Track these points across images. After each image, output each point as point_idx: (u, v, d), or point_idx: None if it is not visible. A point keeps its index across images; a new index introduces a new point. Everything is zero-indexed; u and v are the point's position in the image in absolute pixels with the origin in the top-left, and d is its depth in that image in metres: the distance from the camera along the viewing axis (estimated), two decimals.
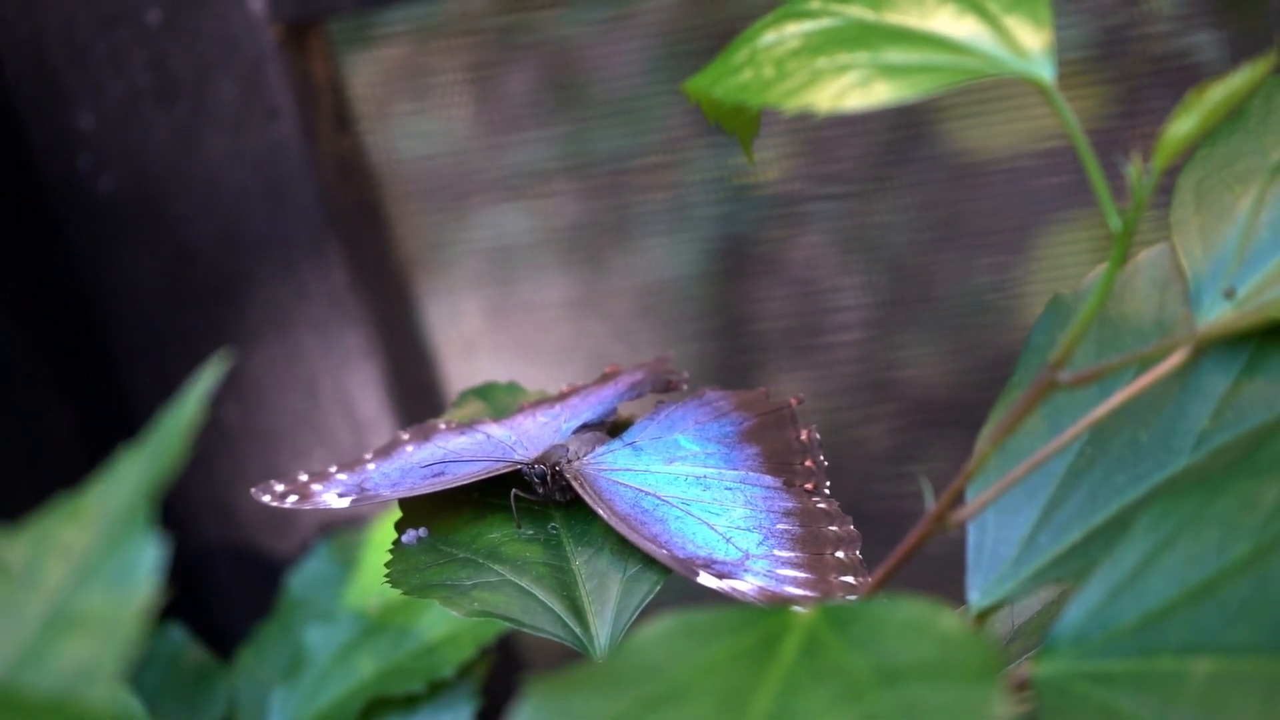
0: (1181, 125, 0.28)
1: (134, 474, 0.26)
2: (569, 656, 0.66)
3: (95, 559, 0.26)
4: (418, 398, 0.65)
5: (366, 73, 0.65)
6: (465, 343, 0.68)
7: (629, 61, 0.66)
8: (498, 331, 0.68)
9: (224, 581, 0.65)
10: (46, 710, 0.24)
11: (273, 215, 0.62)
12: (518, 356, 0.68)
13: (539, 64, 0.66)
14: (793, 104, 0.29)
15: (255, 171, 0.62)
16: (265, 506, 0.42)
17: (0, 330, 0.62)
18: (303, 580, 0.59)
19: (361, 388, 0.63)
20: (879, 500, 0.69)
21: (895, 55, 0.29)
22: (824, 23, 0.30)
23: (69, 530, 0.26)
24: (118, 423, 0.64)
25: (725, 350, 0.69)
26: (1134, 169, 0.29)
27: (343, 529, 0.62)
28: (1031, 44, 0.29)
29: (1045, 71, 0.29)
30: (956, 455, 0.68)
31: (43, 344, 0.63)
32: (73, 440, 0.63)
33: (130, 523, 0.26)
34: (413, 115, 0.67)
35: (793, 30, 0.30)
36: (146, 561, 0.25)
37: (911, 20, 0.30)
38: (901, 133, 0.65)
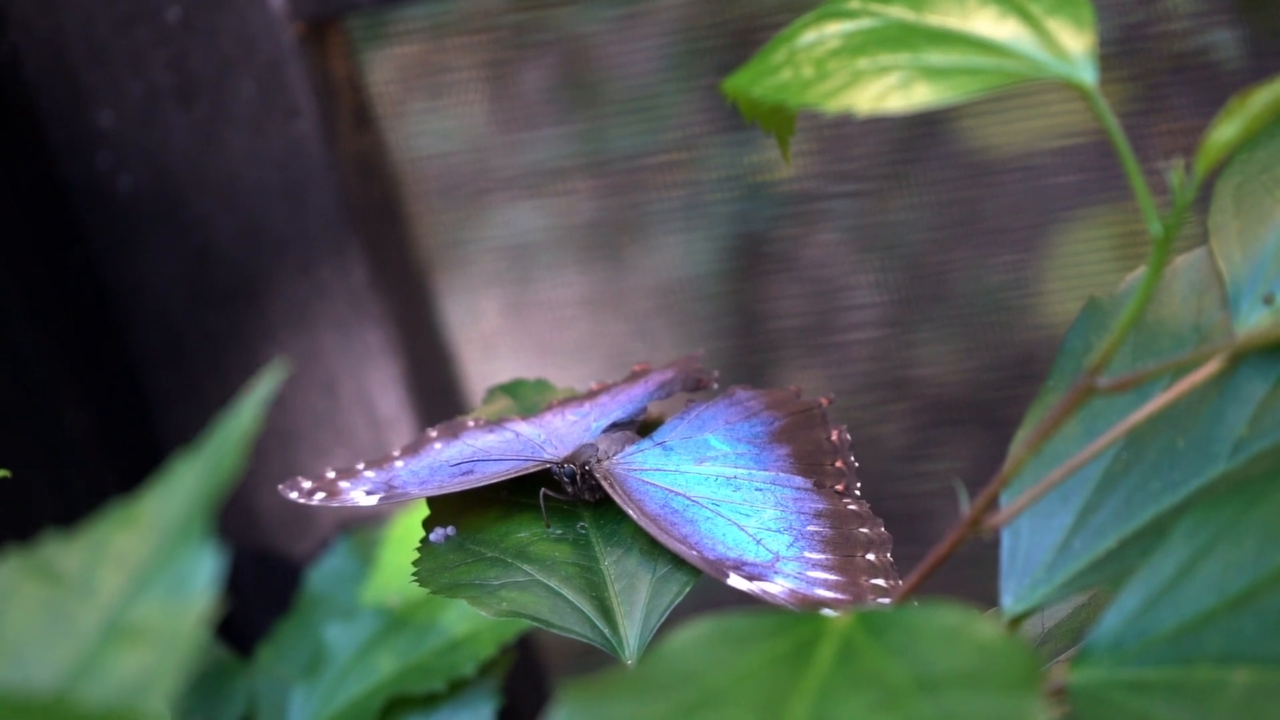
0: (1225, 131, 0.28)
1: (190, 482, 0.26)
2: (589, 655, 0.66)
3: (152, 569, 0.25)
4: (437, 396, 0.65)
5: (384, 70, 0.65)
6: (484, 341, 0.68)
7: (645, 58, 0.65)
8: (516, 329, 0.68)
9: (243, 579, 0.65)
10: None
11: (292, 214, 0.62)
12: (536, 354, 0.68)
13: (555, 61, 0.66)
14: (833, 105, 0.29)
15: (275, 170, 0.61)
16: (284, 504, 0.42)
17: (20, 330, 0.62)
18: (322, 577, 0.59)
19: (381, 386, 0.63)
20: (894, 499, 0.69)
21: (936, 57, 0.29)
22: (864, 23, 0.30)
23: (124, 538, 0.26)
24: (137, 422, 0.64)
25: (741, 348, 0.69)
26: (1175, 174, 0.29)
27: (362, 526, 0.61)
28: (1074, 47, 0.29)
29: (1087, 75, 0.29)
30: (972, 454, 0.68)
31: (62, 343, 0.63)
32: (92, 440, 0.63)
33: (187, 532, 0.25)
34: (430, 113, 0.66)
35: (833, 30, 0.30)
36: (204, 572, 0.25)
37: (953, 22, 0.30)
38: (918, 130, 0.64)
